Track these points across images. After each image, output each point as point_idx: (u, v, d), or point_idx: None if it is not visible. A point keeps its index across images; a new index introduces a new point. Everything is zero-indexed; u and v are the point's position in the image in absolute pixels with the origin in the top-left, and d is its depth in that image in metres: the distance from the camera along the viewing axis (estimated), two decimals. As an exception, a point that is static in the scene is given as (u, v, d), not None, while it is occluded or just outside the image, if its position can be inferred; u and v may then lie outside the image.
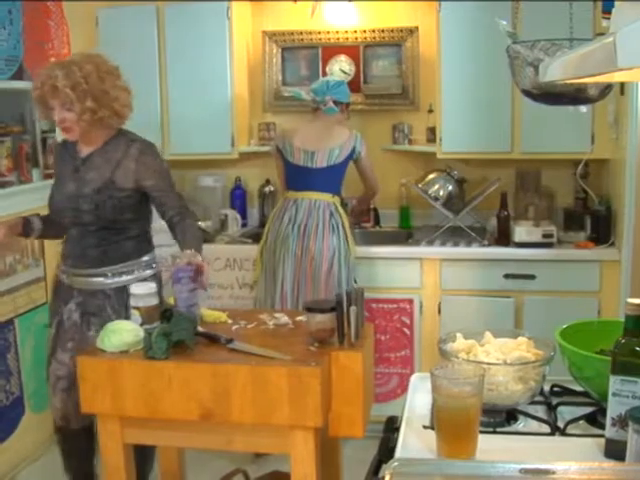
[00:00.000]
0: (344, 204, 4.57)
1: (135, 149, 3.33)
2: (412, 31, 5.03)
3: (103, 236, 3.33)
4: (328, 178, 4.33)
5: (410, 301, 4.50)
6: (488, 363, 2.03)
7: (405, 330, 4.53)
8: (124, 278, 3.34)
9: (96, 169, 3.30)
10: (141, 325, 2.70)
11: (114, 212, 3.28)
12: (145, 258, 3.43)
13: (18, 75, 4.13)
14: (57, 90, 3.17)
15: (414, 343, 4.55)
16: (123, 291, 3.29)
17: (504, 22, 2.92)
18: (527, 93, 2.71)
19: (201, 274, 2.95)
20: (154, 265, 3.47)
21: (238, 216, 5.04)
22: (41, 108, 3.31)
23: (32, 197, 4.03)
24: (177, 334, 2.57)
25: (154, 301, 2.76)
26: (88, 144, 3.35)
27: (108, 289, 3.33)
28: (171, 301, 2.86)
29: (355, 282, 4.27)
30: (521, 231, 4.42)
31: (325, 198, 4.29)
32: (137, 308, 2.74)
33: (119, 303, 3.32)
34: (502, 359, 2.08)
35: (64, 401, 3.41)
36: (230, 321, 2.91)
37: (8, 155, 4.04)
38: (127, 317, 2.93)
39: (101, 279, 3.33)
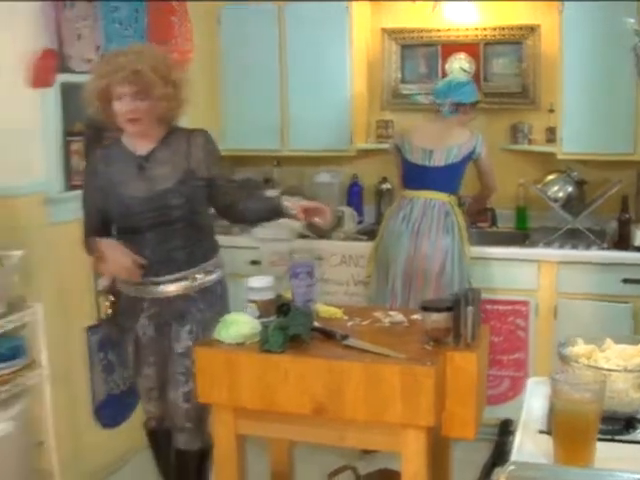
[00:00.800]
0: (461, 203, 4.53)
1: (200, 138, 3.20)
2: (533, 29, 4.94)
3: (188, 234, 3.18)
4: (445, 177, 4.29)
5: (525, 303, 4.44)
6: (608, 369, 1.99)
7: (519, 333, 4.46)
8: (208, 278, 3.26)
9: (166, 163, 3.14)
10: (257, 318, 2.74)
11: (202, 204, 3.22)
12: (219, 255, 3.37)
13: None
14: (139, 74, 2.97)
15: (528, 346, 4.48)
16: (206, 292, 3.26)
17: (632, 20, 2.85)
18: (654, 93, 2.64)
19: (322, 211, 3.16)
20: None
21: (354, 213, 5.05)
22: (100, 101, 3.07)
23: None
24: (294, 328, 2.59)
25: (270, 295, 2.79)
26: (146, 140, 3.17)
27: (193, 292, 3.22)
28: (288, 295, 2.89)
29: (469, 283, 4.22)
30: (642, 235, 4.31)
31: (441, 197, 4.26)
32: (254, 301, 2.78)
33: (204, 304, 3.24)
34: (622, 366, 2.03)
35: (158, 406, 3.41)
36: (345, 317, 2.92)
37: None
38: (212, 318, 2.95)
39: (186, 282, 3.21)
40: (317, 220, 3.19)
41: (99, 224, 3.23)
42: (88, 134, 3.91)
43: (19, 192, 3.52)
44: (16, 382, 3.04)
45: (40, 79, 3.58)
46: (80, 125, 3.90)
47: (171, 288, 3.20)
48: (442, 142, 4.30)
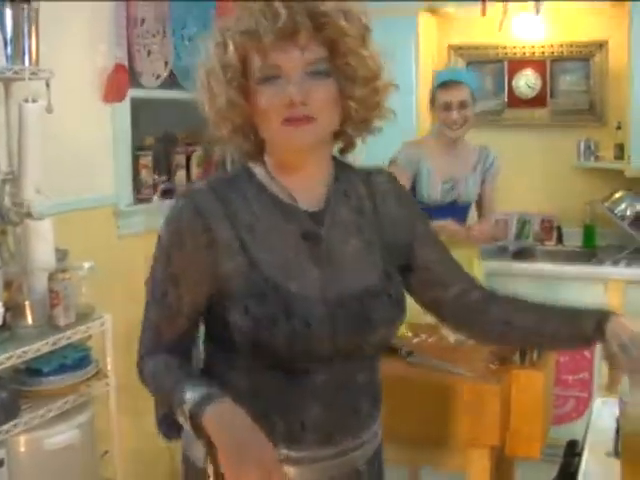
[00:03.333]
0: None
1: (392, 186, 1.78)
2: (601, 45, 4.90)
3: (374, 368, 1.77)
4: None
5: (592, 322, 4.37)
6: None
7: (585, 352, 4.40)
8: (380, 434, 1.78)
9: (354, 232, 1.66)
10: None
11: None
12: None
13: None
14: (321, 16, 1.53)
15: (593, 366, 4.41)
16: (375, 458, 1.74)
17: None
18: None
19: None
20: None
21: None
22: (235, 78, 1.57)
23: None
24: (358, 344, 2.58)
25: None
26: (309, 177, 1.64)
27: (362, 463, 1.69)
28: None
29: None
30: None
31: None
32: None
33: (371, 473, 1.72)
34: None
35: None
36: (410, 334, 2.92)
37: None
38: None
39: (361, 451, 1.67)
40: None
41: (182, 336, 1.69)
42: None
43: (90, 205, 3.57)
44: (82, 392, 3.07)
45: (112, 94, 3.64)
46: (150, 140, 3.96)
47: (341, 464, 1.64)
48: None
